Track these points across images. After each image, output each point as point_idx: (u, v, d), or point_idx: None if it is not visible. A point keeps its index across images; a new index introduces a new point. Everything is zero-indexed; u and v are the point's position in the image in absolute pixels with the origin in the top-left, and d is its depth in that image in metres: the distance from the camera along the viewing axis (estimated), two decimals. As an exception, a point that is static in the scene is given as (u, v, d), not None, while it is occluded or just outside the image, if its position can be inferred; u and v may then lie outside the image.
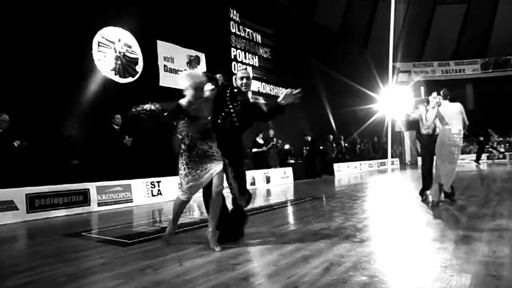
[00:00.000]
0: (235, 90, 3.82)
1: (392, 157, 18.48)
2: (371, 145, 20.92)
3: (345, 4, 23.27)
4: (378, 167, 19.63)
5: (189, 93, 3.42)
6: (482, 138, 18.35)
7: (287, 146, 14.49)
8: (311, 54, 17.80)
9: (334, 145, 16.45)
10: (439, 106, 5.58)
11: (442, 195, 5.72)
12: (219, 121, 3.66)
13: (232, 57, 13.97)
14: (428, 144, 5.86)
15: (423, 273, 2.54)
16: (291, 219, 5.33)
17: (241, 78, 3.86)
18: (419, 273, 2.57)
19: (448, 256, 2.86)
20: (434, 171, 5.82)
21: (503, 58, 27.83)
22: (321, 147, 15.86)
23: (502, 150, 20.86)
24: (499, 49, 27.54)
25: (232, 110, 3.70)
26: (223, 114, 3.68)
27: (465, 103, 31.13)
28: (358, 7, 23.77)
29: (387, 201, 6.81)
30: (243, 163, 3.88)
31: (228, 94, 3.77)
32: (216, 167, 3.46)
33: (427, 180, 5.99)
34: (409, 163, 24.02)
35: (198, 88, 3.44)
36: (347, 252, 3.10)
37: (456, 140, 5.37)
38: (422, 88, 27.05)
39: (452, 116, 5.46)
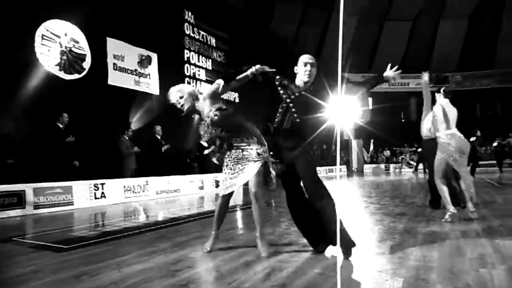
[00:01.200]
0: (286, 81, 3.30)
1: (340, 164, 19.08)
2: (320, 152, 21.48)
3: (299, 14, 23.79)
4: (327, 173, 20.18)
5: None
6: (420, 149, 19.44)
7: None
8: (265, 61, 18.00)
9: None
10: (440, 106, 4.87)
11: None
12: (276, 119, 3.20)
13: (185, 59, 13.82)
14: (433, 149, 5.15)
15: (360, 278, 2.64)
16: (238, 224, 5.32)
17: (305, 64, 3.25)
18: (356, 278, 2.66)
19: (384, 261, 2.99)
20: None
21: (443, 75, 29.74)
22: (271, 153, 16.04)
23: (413, 162, 21.72)
24: (440, 66, 29.42)
25: (291, 105, 3.19)
26: (280, 110, 3.20)
27: (409, 115, 32.89)
28: (312, 17, 24.39)
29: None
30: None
31: (279, 86, 3.27)
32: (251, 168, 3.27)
33: (432, 189, 5.65)
34: (356, 170, 24.91)
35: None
36: (289, 258, 3.14)
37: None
38: (370, 99, 28.27)
39: (455, 120, 4.85)
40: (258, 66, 3.26)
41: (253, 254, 3.31)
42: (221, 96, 3.38)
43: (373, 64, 29.81)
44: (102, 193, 8.18)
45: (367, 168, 24.58)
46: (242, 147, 3.30)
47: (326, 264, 2.95)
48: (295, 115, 3.18)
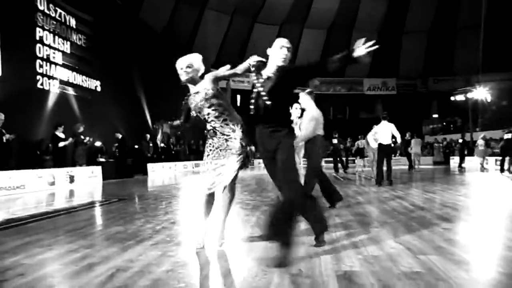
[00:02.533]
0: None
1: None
2: (187, 146, 21.44)
3: (172, 6, 23.24)
4: (193, 168, 20.26)
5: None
6: None
7: (98, 143, 13.53)
8: (132, 50, 17.17)
9: (151, 144, 16.21)
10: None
11: None
12: (251, 107, 2.99)
13: (38, 38, 12.28)
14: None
15: (208, 273, 2.70)
16: (88, 222, 4.94)
17: (281, 47, 3.01)
18: (205, 272, 2.71)
19: (234, 253, 3.12)
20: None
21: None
22: (136, 146, 15.41)
23: None
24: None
25: (260, 89, 2.95)
26: (252, 96, 3.01)
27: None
28: (185, 10, 24.10)
29: (195, 202, 7.03)
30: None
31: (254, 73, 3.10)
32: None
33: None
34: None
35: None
36: (137, 257, 3.03)
37: None
38: (238, 96, 29.26)
39: None
40: (256, 57, 3.12)
41: (98, 254, 3.11)
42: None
43: (244, 60, 31.00)
44: None
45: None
46: (226, 135, 3.18)
47: (175, 261, 2.93)
48: (265, 99, 2.92)
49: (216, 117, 3.20)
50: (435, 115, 33.57)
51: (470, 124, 25.68)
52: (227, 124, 3.20)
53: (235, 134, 3.20)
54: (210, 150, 3.25)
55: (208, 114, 3.20)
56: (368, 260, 2.82)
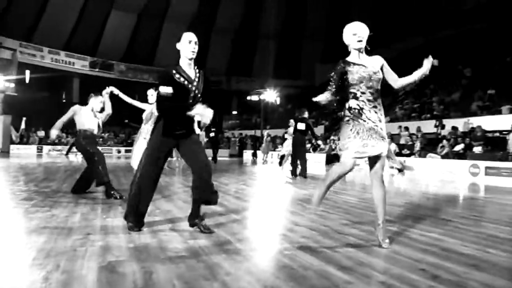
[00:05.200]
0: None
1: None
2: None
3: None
4: None
5: None
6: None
7: None
8: None
9: None
10: None
11: None
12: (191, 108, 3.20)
13: None
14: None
15: None
16: None
17: (190, 42, 3.23)
18: None
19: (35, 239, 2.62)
20: None
21: (109, 62, 30.49)
22: None
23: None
24: (107, 53, 30.06)
25: (196, 91, 3.30)
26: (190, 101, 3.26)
27: (71, 96, 31.76)
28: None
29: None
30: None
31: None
32: None
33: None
34: (0, 151, 21.67)
35: None
36: None
37: None
38: (27, 72, 25.42)
39: None
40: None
41: None
42: None
43: (35, 33, 27.08)
44: None
45: (15, 148, 21.91)
46: (372, 121, 2.99)
47: None
48: (199, 96, 3.30)
49: (368, 100, 3.03)
50: (235, 112, 36.71)
51: (261, 122, 29.03)
52: (375, 112, 3.04)
53: (382, 124, 3.04)
54: (361, 130, 2.98)
55: (363, 93, 3.03)
56: (138, 248, 2.80)
